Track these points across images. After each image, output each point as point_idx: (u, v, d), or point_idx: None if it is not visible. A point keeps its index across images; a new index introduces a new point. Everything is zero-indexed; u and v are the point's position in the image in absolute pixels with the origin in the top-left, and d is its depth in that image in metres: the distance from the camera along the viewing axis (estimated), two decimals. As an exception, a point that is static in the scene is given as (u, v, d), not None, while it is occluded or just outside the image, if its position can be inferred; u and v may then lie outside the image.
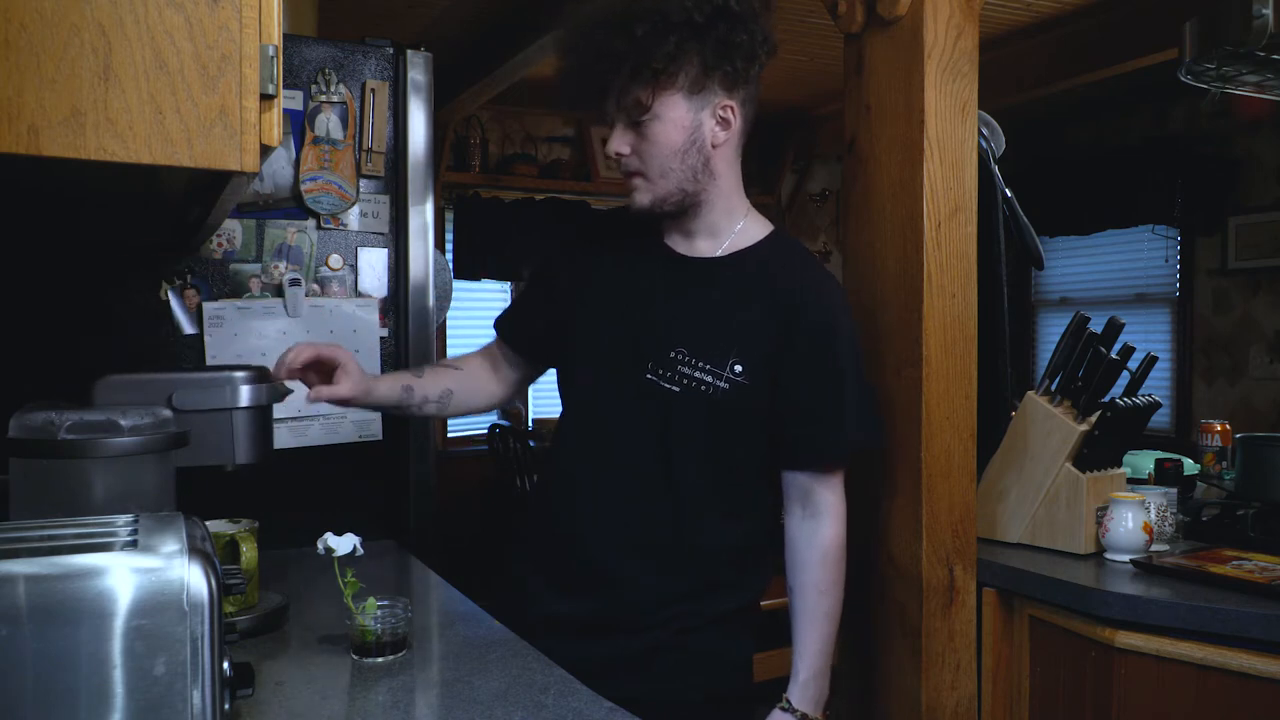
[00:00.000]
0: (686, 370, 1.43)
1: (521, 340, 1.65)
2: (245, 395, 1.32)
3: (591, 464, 1.51)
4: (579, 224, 1.68)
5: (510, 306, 1.70)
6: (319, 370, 1.51)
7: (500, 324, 1.67)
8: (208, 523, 1.15)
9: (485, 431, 4.82)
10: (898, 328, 1.77)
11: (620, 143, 1.42)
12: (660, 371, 1.44)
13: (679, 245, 1.51)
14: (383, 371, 2.03)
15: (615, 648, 1.46)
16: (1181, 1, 2.14)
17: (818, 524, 1.49)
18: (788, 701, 1.47)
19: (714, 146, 1.42)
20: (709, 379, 1.43)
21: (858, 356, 1.51)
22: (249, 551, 1.42)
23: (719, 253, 1.48)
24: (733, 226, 1.49)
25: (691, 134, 1.40)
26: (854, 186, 1.88)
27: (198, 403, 1.28)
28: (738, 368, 1.42)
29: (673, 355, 1.44)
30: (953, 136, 1.74)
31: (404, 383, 1.58)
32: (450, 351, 5.06)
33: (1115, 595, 1.66)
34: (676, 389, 1.43)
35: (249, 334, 1.93)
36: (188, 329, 1.89)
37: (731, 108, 1.41)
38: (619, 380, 1.47)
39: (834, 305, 1.48)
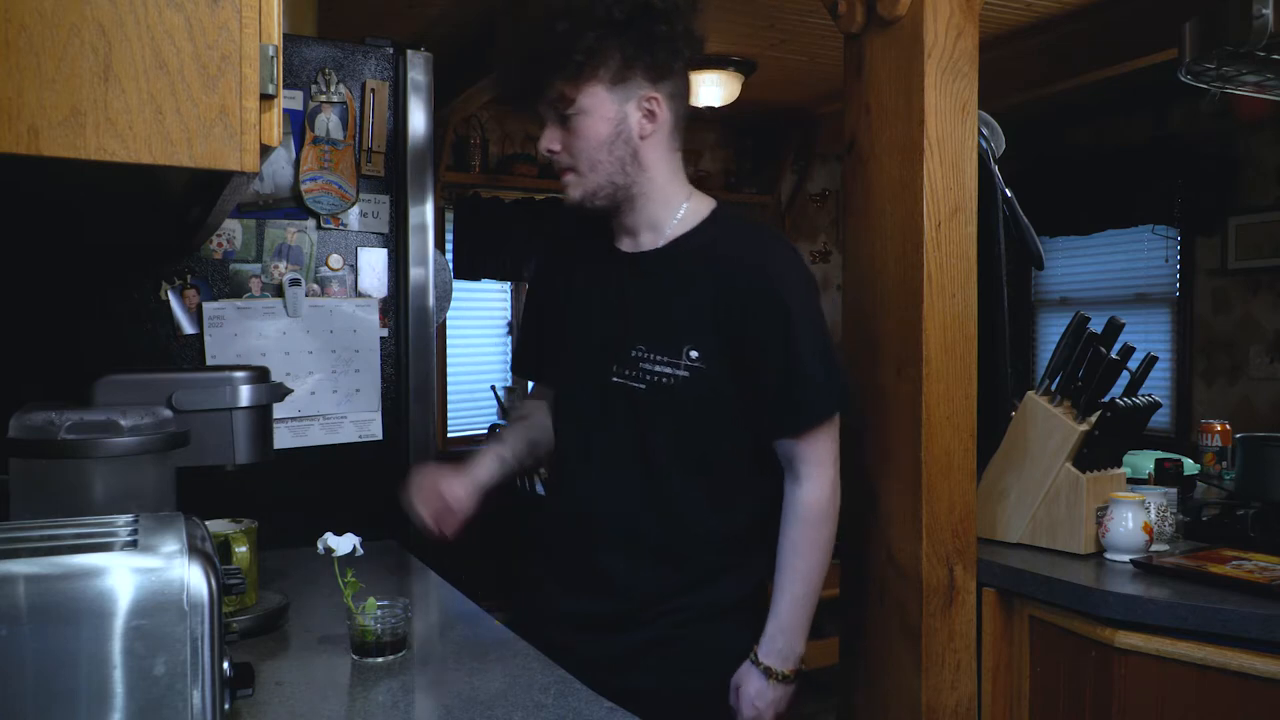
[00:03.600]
0: (648, 366, 1.47)
1: (536, 372, 1.72)
2: (245, 395, 1.32)
3: (580, 468, 1.56)
4: (546, 236, 1.74)
5: (516, 344, 1.77)
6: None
7: (516, 367, 1.75)
8: (207, 523, 1.15)
9: (485, 431, 4.82)
10: (898, 328, 1.77)
11: (551, 140, 1.46)
12: (626, 372, 1.48)
13: (625, 244, 1.54)
14: (382, 370, 2.04)
15: (619, 644, 1.50)
16: (1181, 1, 2.14)
17: (798, 487, 1.51)
18: (755, 654, 1.51)
19: (641, 138, 1.45)
20: (668, 370, 1.46)
21: (814, 315, 1.49)
22: (240, 550, 1.42)
23: (661, 244, 1.51)
24: (673, 216, 1.51)
25: (617, 125, 1.43)
26: (854, 186, 1.88)
27: (198, 403, 1.28)
28: (693, 354, 1.45)
29: (634, 354, 1.48)
30: (953, 136, 1.74)
31: (498, 456, 1.65)
32: (450, 352, 5.05)
33: (1115, 595, 1.66)
34: (643, 386, 1.47)
35: (249, 334, 1.93)
36: (188, 329, 1.89)
37: (656, 99, 1.44)
38: (591, 385, 1.53)
39: (781, 271, 1.48)
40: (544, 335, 1.66)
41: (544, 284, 1.68)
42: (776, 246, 1.52)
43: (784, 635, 1.50)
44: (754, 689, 1.49)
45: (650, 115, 1.45)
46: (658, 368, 1.46)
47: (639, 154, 1.46)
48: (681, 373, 1.45)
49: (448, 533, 1.57)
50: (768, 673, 1.49)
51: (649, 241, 1.52)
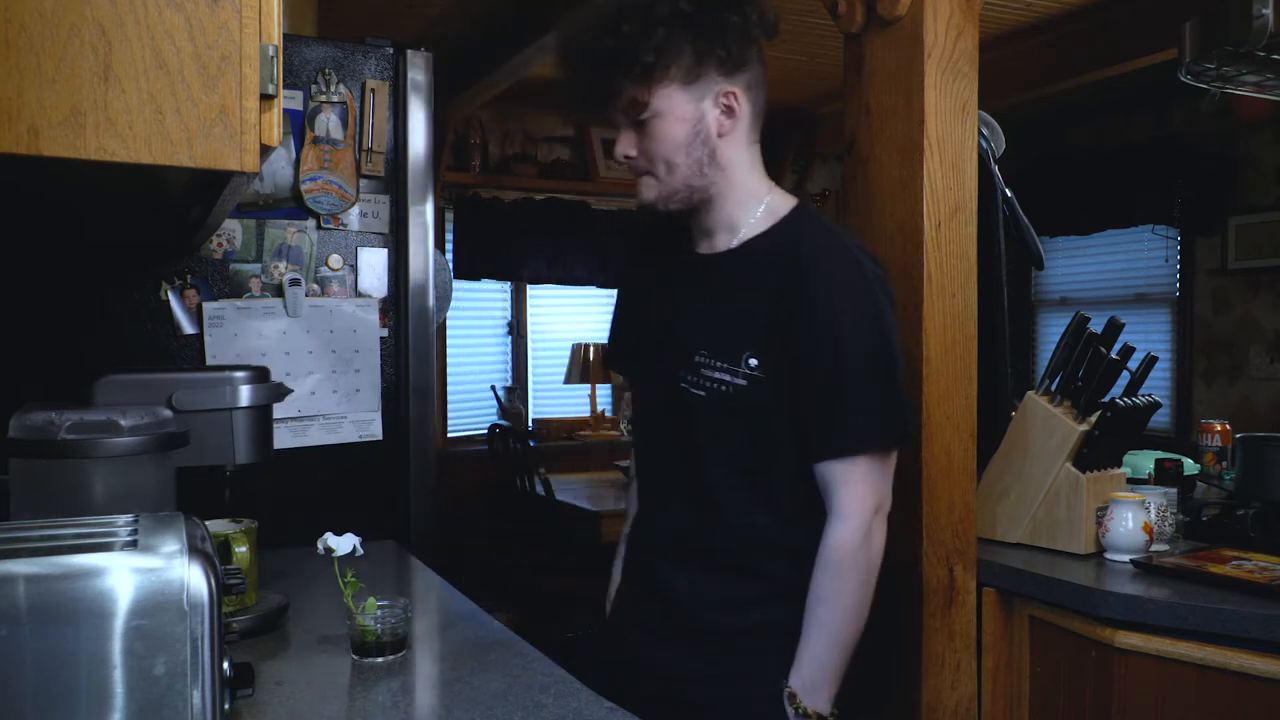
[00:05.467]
0: (708, 373, 1.40)
1: (625, 367, 1.65)
2: (245, 395, 1.32)
3: (649, 477, 1.54)
4: (633, 241, 1.69)
5: (609, 338, 1.68)
6: None
7: (609, 360, 1.71)
8: (207, 523, 1.15)
9: (485, 431, 4.82)
10: (898, 327, 1.77)
11: (626, 145, 1.40)
12: (690, 378, 1.42)
13: (702, 246, 1.47)
14: (382, 370, 2.04)
15: (681, 655, 1.45)
16: (1181, 1, 2.14)
17: (830, 526, 1.37)
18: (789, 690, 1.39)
19: (720, 136, 1.38)
20: (727, 378, 1.38)
21: (869, 331, 1.37)
22: (240, 550, 1.42)
23: (734, 244, 1.43)
24: (750, 216, 1.43)
25: (695, 125, 1.36)
26: (854, 186, 1.88)
27: (198, 403, 1.28)
28: (752, 362, 1.37)
29: (697, 359, 1.41)
30: (953, 136, 1.74)
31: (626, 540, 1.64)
32: (450, 352, 5.05)
33: (1115, 595, 1.66)
34: (702, 394, 1.40)
35: (249, 334, 1.93)
36: (188, 329, 1.89)
37: (734, 94, 1.37)
38: (659, 393, 1.48)
39: (838, 279, 1.36)
40: (627, 336, 1.61)
41: (626, 286, 1.64)
42: (841, 253, 1.39)
43: (805, 694, 1.37)
44: None
45: (729, 111, 1.37)
46: (717, 375, 1.39)
47: (717, 153, 1.38)
48: (740, 381, 1.37)
49: None
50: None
51: (724, 243, 1.44)
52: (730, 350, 1.39)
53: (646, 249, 1.61)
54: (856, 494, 1.36)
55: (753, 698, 1.40)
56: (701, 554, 1.45)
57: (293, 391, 1.53)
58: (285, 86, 1.18)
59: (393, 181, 2.06)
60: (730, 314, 1.41)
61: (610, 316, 1.67)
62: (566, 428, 5.36)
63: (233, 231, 1.92)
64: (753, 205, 1.43)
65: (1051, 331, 5.70)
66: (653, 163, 1.39)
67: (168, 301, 1.88)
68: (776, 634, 1.40)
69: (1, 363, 1.75)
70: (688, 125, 1.36)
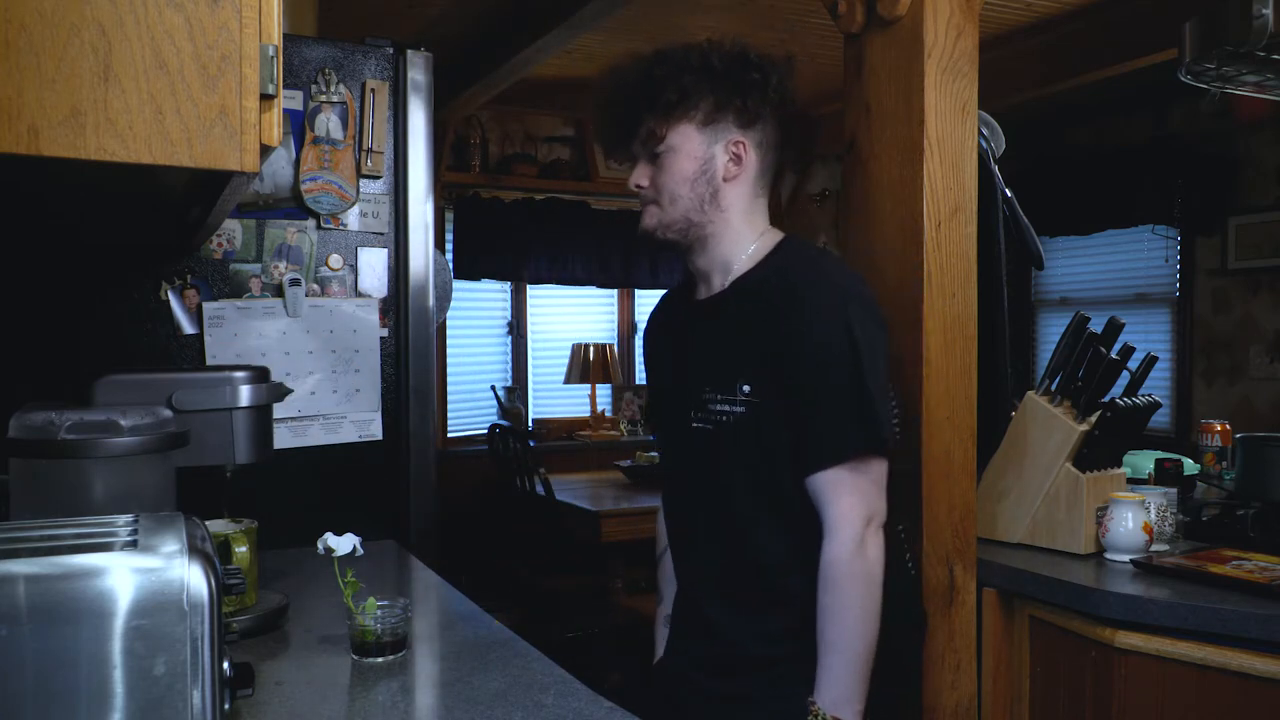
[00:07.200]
0: (713, 407, 1.47)
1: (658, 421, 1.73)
2: (245, 395, 1.32)
3: (676, 516, 1.62)
4: (657, 307, 1.75)
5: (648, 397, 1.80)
6: None
7: (648, 417, 1.79)
8: (207, 523, 1.15)
9: (485, 431, 4.83)
10: (898, 328, 1.77)
11: (640, 176, 1.50)
12: (698, 414, 1.50)
13: (700, 291, 1.56)
14: (382, 370, 2.04)
15: (729, 685, 1.49)
16: (1181, 1, 2.14)
17: (824, 542, 1.40)
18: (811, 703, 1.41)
19: (725, 180, 1.48)
20: (727, 408, 1.46)
21: (852, 348, 1.39)
22: (240, 550, 1.42)
23: (726, 285, 1.51)
24: (741, 255, 1.50)
25: (703, 164, 1.46)
26: (854, 186, 1.88)
27: (198, 403, 1.28)
28: (745, 388, 1.44)
29: (703, 396, 1.49)
30: (953, 136, 1.74)
31: (665, 619, 1.66)
32: (450, 352, 5.05)
33: (1115, 595, 1.66)
34: (710, 427, 1.48)
35: (249, 334, 1.93)
36: (188, 329, 1.89)
37: (744, 144, 1.47)
38: (676, 434, 1.56)
39: (820, 299, 1.41)
40: (655, 394, 1.70)
41: (648, 351, 1.72)
42: (816, 275, 1.45)
43: (833, 708, 1.38)
44: None
45: (736, 159, 1.47)
46: (720, 407, 1.46)
47: (719, 194, 1.48)
48: (738, 409, 1.44)
49: None
50: None
51: (719, 284, 1.52)
52: (727, 381, 1.46)
53: (655, 321, 1.70)
54: (844, 506, 1.40)
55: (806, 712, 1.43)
56: (733, 586, 1.50)
57: (293, 391, 1.53)
58: (285, 86, 1.18)
59: (393, 181, 2.06)
60: (725, 347, 1.49)
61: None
62: (566, 428, 5.36)
63: (233, 231, 1.92)
64: (745, 246, 1.51)
65: (1051, 331, 5.70)
66: (659, 193, 1.49)
67: (168, 301, 1.88)
68: (813, 655, 1.43)
69: (1, 363, 1.75)
70: (696, 163, 1.47)
